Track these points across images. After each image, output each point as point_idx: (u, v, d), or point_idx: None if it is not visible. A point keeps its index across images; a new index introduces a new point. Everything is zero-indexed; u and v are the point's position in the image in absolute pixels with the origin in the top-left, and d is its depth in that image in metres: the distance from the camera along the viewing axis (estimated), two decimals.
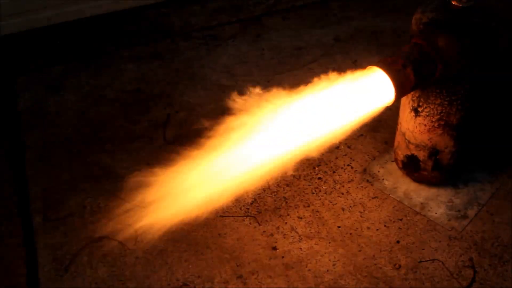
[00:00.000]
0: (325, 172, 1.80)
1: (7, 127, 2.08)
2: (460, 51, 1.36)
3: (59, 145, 1.98)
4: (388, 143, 1.89)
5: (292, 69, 2.31)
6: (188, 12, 2.77)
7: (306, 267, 1.51)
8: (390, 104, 1.35)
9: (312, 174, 1.79)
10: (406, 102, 1.56)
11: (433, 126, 1.52)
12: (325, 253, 1.54)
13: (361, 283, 1.46)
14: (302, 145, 1.33)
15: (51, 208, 1.73)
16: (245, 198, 1.72)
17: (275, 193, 1.73)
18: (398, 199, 1.68)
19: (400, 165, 1.71)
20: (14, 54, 2.49)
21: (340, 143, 1.90)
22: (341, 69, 2.28)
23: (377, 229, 1.60)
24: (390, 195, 1.70)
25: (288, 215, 1.66)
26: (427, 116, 1.51)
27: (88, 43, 2.55)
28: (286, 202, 1.70)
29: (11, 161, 1.92)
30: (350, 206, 1.68)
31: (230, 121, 1.44)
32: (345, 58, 2.36)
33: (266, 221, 1.64)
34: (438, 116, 1.50)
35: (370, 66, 1.33)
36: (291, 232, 1.61)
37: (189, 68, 2.36)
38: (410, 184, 1.72)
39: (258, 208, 1.69)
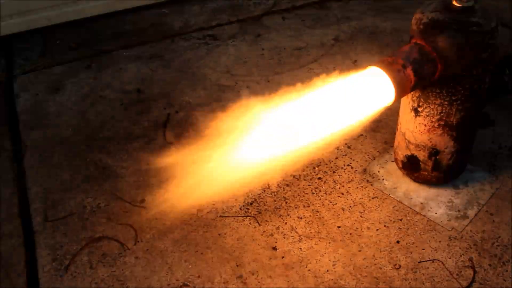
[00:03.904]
0: (325, 172, 1.80)
1: (7, 127, 2.08)
2: (460, 51, 1.36)
3: (59, 145, 1.98)
4: (388, 143, 1.89)
5: (292, 69, 2.31)
6: (188, 12, 2.77)
7: (306, 267, 1.51)
8: (390, 104, 1.35)
9: (312, 174, 1.79)
10: (406, 102, 1.56)
11: (433, 126, 1.52)
12: (325, 253, 1.54)
13: (361, 283, 1.46)
14: (302, 145, 1.33)
15: (51, 208, 1.73)
16: (245, 198, 1.72)
17: (275, 193, 1.73)
18: (398, 199, 1.68)
19: (400, 165, 1.71)
20: (14, 54, 2.49)
21: (340, 143, 1.90)
22: (341, 69, 2.29)
23: (377, 229, 1.60)
24: (390, 195, 1.70)
25: (288, 215, 1.66)
26: (427, 116, 1.51)
27: (88, 43, 2.55)
28: (286, 202, 1.70)
29: (11, 161, 1.92)
30: (350, 206, 1.68)
31: (230, 121, 1.44)
32: (345, 58, 2.36)
33: (266, 221, 1.64)
34: (438, 116, 1.50)
35: (370, 66, 1.33)
36: (291, 232, 1.61)
37: (189, 68, 2.36)
38: (410, 184, 1.72)
39: (258, 208, 1.69)
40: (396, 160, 1.73)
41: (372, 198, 1.70)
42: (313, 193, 1.73)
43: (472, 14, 1.38)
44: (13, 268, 1.55)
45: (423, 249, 1.53)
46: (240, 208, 1.69)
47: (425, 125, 1.53)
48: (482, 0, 1.44)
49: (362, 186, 1.74)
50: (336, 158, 1.85)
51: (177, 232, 1.62)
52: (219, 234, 1.61)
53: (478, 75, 1.43)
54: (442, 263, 1.49)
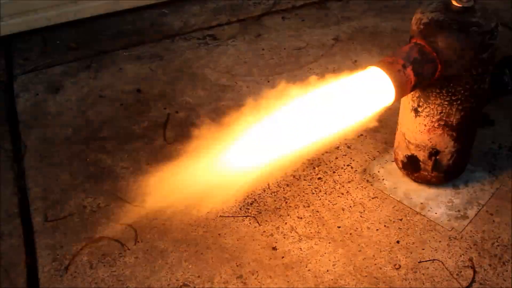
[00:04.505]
0: (325, 172, 1.80)
1: (7, 127, 2.08)
2: (460, 51, 1.36)
3: (59, 145, 1.98)
4: (388, 143, 1.89)
5: (292, 69, 2.31)
6: (188, 12, 2.77)
7: (306, 267, 1.51)
8: (390, 104, 1.35)
9: (312, 174, 1.79)
10: (406, 102, 1.56)
11: (433, 126, 1.52)
12: (325, 253, 1.54)
13: (361, 283, 1.46)
14: (302, 145, 1.33)
15: (51, 208, 1.73)
16: (245, 198, 1.72)
17: (275, 193, 1.73)
18: (398, 199, 1.68)
19: (400, 165, 1.71)
20: (14, 54, 2.49)
21: (340, 143, 1.90)
22: (341, 69, 2.30)
23: (377, 229, 1.60)
24: (390, 195, 1.70)
25: (288, 215, 1.66)
26: (427, 116, 1.51)
27: (88, 43, 2.55)
28: (286, 202, 1.70)
29: (11, 161, 1.92)
30: (350, 206, 1.68)
31: (229, 121, 1.44)
32: (345, 58, 2.36)
33: (266, 221, 1.64)
34: (438, 116, 1.50)
35: (370, 66, 1.33)
36: (291, 232, 1.61)
37: (189, 68, 2.36)
38: (410, 184, 1.72)
39: (258, 208, 1.69)
40: (396, 160, 1.73)
41: (372, 198, 1.70)
42: (313, 193, 1.73)
43: (472, 14, 1.38)
44: (13, 268, 1.55)
45: (423, 249, 1.53)
46: (240, 208, 1.69)
47: (425, 125, 1.53)
48: (482, 0, 1.44)
49: (362, 186, 1.74)
50: (336, 158, 1.85)
51: (177, 232, 1.62)
52: (219, 234, 1.61)
53: (478, 75, 1.43)
54: (442, 263, 1.49)
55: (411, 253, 1.53)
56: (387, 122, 1.96)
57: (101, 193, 1.77)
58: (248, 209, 1.69)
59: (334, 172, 1.80)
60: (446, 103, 1.46)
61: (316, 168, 1.82)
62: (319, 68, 2.31)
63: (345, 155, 1.87)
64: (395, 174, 1.76)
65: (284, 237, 1.59)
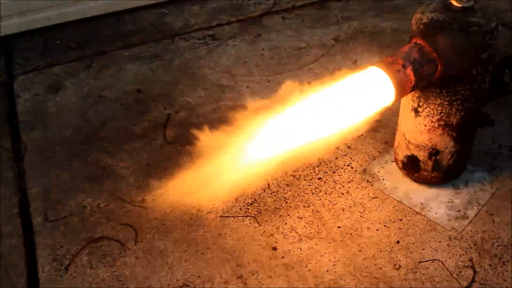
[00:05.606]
0: (325, 172, 1.80)
1: (7, 127, 2.08)
2: (460, 51, 1.36)
3: (59, 145, 1.98)
4: (388, 143, 1.89)
5: (292, 69, 2.31)
6: (188, 12, 2.77)
7: (306, 267, 1.51)
8: (390, 104, 1.35)
9: (312, 174, 1.79)
10: (406, 102, 1.56)
11: (433, 126, 1.52)
12: (325, 253, 1.54)
13: (361, 283, 1.46)
14: (302, 145, 1.33)
15: (51, 208, 1.73)
16: (245, 198, 1.72)
17: (275, 193, 1.73)
18: (398, 199, 1.68)
19: (400, 165, 1.71)
20: (14, 54, 2.49)
21: (340, 143, 1.90)
22: (341, 69, 2.29)
23: (377, 229, 1.60)
24: (390, 195, 1.70)
25: (288, 215, 1.66)
26: (427, 116, 1.51)
27: (88, 43, 2.55)
28: (286, 202, 1.70)
29: (11, 161, 1.92)
30: (350, 206, 1.68)
31: (229, 122, 1.44)
32: (345, 58, 2.36)
33: (266, 221, 1.64)
34: (438, 116, 1.50)
35: (370, 66, 1.33)
36: (291, 232, 1.61)
37: (189, 68, 2.36)
38: (410, 184, 1.72)
39: (258, 208, 1.69)
40: (396, 160, 1.73)
41: (372, 198, 1.70)
42: (313, 193, 1.73)
43: (472, 14, 1.38)
44: (13, 268, 1.55)
45: (423, 249, 1.53)
46: (240, 208, 1.69)
47: (425, 125, 1.54)
48: (482, 0, 1.44)
49: (362, 186, 1.74)
50: (336, 158, 1.85)
51: (177, 232, 1.62)
52: (219, 234, 1.61)
53: (478, 75, 1.43)
54: (442, 263, 1.49)
55: (411, 253, 1.53)
56: (387, 122, 1.96)
57: (101, 193, 1.77)
58: (248, 209, 1.69)
59: (334, 172, 1.80)
60: (446, 103, 1.46)
61: (316, 168, 1.82)
62: (319, 68, 2.31)
63: (345, 155, 1.87)
64: (395, 174, 1.76)
65: (284, 237, 1.59)
